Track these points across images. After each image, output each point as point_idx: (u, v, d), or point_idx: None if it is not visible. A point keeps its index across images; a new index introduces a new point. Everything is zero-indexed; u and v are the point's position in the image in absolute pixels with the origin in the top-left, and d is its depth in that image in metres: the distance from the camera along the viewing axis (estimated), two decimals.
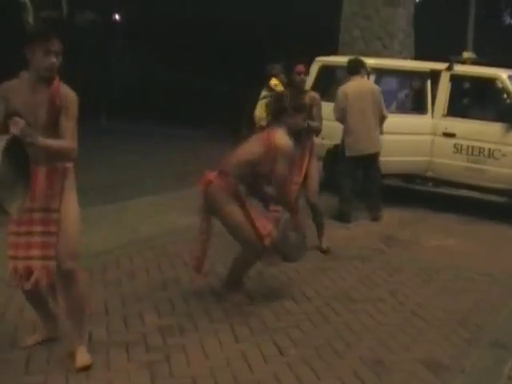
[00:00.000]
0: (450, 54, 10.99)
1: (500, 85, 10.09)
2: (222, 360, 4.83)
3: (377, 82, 10.78)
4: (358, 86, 9.24)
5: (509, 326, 5.86)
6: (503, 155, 9.75)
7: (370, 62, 11.04)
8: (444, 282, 6.91)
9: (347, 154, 9.25)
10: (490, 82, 10.35)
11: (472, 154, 9.93)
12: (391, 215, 9.59)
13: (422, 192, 11.68)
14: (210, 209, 5.87)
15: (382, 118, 9.38)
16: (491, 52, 13.48)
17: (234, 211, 5.75)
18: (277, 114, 6.06)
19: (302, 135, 7.66)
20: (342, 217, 9.31)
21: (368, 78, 10.03)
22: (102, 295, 5.85)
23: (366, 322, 5.70)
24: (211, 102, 19.62)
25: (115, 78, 22.74)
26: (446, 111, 10.26)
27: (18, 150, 4.11)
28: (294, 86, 7.84)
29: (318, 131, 7.89)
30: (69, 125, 4.45)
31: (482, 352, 5.27)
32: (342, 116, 9.25)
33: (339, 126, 9.33)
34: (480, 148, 9.86)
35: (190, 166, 12.10)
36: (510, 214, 10.20)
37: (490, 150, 9.81)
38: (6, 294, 5.59)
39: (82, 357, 4.65)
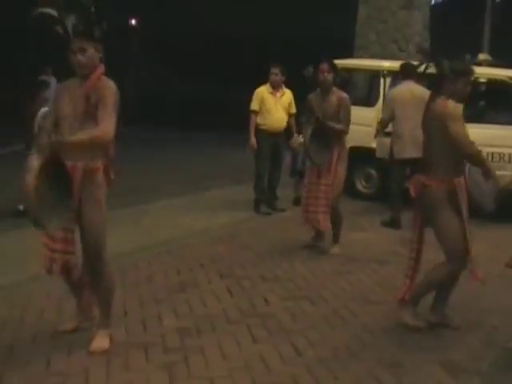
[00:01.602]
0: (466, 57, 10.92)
1: None
2: (240, 361, 4.85)
3: (393, 84, 10.81)
4: (408, 91, 9.23)
5: None
6: None
7: (386, 65, 11.08)
8: (460, 285, 6.89)
9: (396, 157, 9.32)
10: (504, 83, 10.28)
11: (492, 160, 9.66)
12: (410, 218, 9.50)
13: None
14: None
15: None
16: (507, 55, 13.38)
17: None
18: (438, 81, 5.60)
19: (331, 137, 7.71)
20: (394, 223, 9.27)
21: (420, 83, 9.91)
22: (121, 297, 5.89)
23: (383, 324, 5.71)
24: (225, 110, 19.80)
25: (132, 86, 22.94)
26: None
27: (56, 168, 4.25)
28: (319, 85, 7.85)
29: (344, 134, 7.84)
30: (104, 112, 4.58)
31: (499, 353, 5.27)
32: (389, 119, 9.29)
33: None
34: (500, 154, 9.78)
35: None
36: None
37: (510, 155, 9.74)
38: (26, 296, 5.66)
39: (100, 340, 4.92)
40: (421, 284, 5.64)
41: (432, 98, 5.50)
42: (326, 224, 7.84)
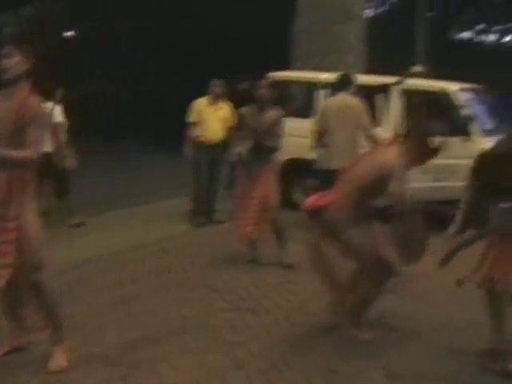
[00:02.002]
0: (400, 69, 11.08)
1: (450, 98, 10.22)
2: (184, 374, 4.83)
3: (329, 97, 10.90)
4: (342, 102, 9.21)
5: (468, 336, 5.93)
6: (462, 169, 9.82)
7: (322, 77, 11.17)
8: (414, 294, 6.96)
9: (320, 167, 9.34)
10: (440, 95, 10.46)
11: (437, 173, 9.77)
12: None
13: None
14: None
15: (367, 135, 9.20)
16: (441, 67, 13.65)
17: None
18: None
19: (264, 152, 7.77)
20: None
21: (355, 95, 9.98)
22: (68, 311, 5.81)
23: (321, 334, 5.74)
24: None
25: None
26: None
27: None
28: (256, 102, 7.90)
29: (275, 150, 7.94)
30: (33, 135, 4.56)
31: (439, 359, 5.33)
32: (322, 129, 9.30)
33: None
34: (441, 165, 9.85)
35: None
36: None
37: (451, 165, 9.88)
38: None
39: (57, 358, 4.84)
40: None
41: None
42: (255, 235, 7.87)
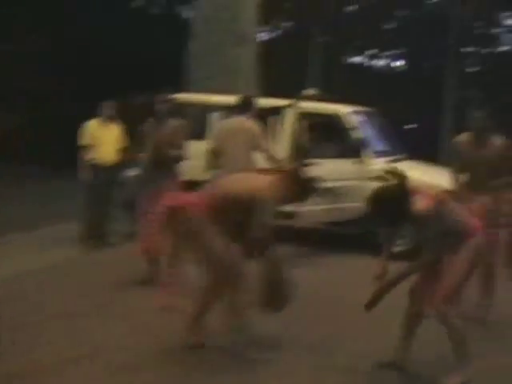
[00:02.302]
0: (295, 92, 11.18)
1: (342, 120, 10.41)
2: None
3: (222, 119, 10.95)
4: (238, 123, 9.15)
5: (358, 351, 6.00)
6: (354, 190, 10.05)
7: (215, 99, 11.21)
8: (295, 312, 7.00)
9: None
10: (333, 118, 10.64)
11: (330, 195, 9.91)
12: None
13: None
14: None
15: (268, 157, 9.28)
16: (334, 90, 13.91)
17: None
18: None
19: (166, 165, 7.79)
20: None
21: (255, 117, 9.97)
22: None
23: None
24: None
25: None
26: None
27: None
28: (155, 116, 7.93)
29: (179, 160, 8.04)
30: None
31: (337, 377, 5.39)
32: (213, 149, 9.24)
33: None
34: (333, 188, 10.02)
35: None
36: (355, 243, 10.53)
37: (344, 187, 10.04)
38: None
39: None
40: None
41: None
42: (159, 251, 7.81)
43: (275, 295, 5.75)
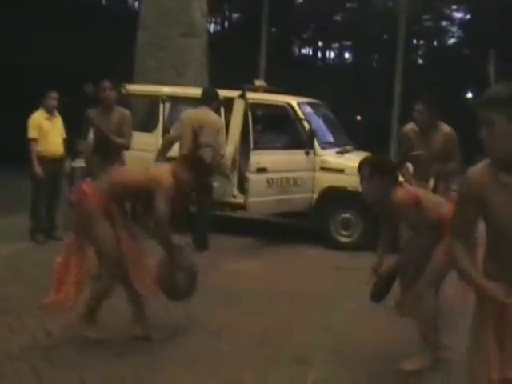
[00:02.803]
0: (243, 83, 11.13)
1: (292, 112, 10.40)
2: None
3: (172, 110, 10.88)
4: (204, 115, 9.18)
5: (307, 341, 6.02)
6: (304, 181, 10.08)
7: (165, 90, 11.13)
8: (244, 304, 7.01)
9: None
10: (282, 109, 10.63)
11: (281, 186, 9.94)
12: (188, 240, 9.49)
13: (218, 216, 11.68)
14: None
15: (219, 152, 9.28)
16: (283, 81, 13.91)
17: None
18: None
19: (113, 153, 7.74)
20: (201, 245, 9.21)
21: (219, 110, 9.99)
22: None
23: (169, 349, 5.66)
24: None
25: None
26: (253, 144, 9.86)
27: None
28: (100, 102, 7.89)
29: (125, 148, 8.06)
30: None
31: (285, 368, 5.38)
32: (176, 138, 9.24)
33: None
34: (284, 178, 10.06)
35: None
36: (305, 235, 10.57)
37: (294, 178, 10.05)
38: None
39: None
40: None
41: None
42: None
43: (173, 283, 5.73)
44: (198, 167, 5.78)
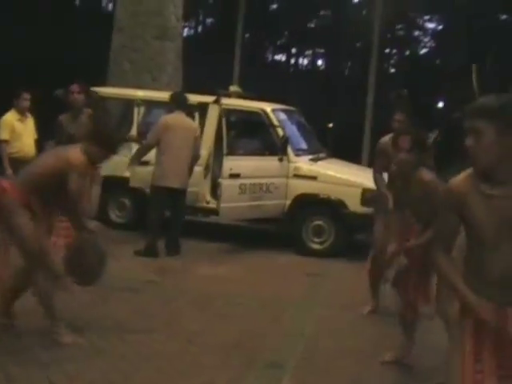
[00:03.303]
0: (217, 88, 11.11)
1: (265, 118, 10.43)
2: None
3: (146, 114, 10.88)
4: (181, 121, 9.24)
5: (279, 347, 6.05)
6: (276, 188, 10.11)
7: (139, 94, 11.11)
8: (217, 309, 7.03)
9: (155, 183, 9.27)
10: (256, 115, 10.66)
11: (254, 192, 9.96)
12: (160, 244, 9.50)
13: (191, 222, 11.70)
14: None
15: (196, 158, 9.45)
16: (257, 87, 13.92)
17: None
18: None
19: None
20: (150, 251, 9.15)
21: (193, 115, 10.04)
22: None
23: (142, 353, 5.65)
24: None
25: None
26: (227, 150, 9.82)
27: None
28: (69, 106, 7.90)
29: None
30: None
31: (258, 373, 5.40)
32: (154, 143, 9.24)
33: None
34: (258, 184, 10.04)
35: None
36: (277, 241, 10.61)
37: (266, 184, 10.06)
38: None
39: None
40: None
41: None
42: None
43: (82, 264, 5.71)
44: (106, 140, 5.80)
